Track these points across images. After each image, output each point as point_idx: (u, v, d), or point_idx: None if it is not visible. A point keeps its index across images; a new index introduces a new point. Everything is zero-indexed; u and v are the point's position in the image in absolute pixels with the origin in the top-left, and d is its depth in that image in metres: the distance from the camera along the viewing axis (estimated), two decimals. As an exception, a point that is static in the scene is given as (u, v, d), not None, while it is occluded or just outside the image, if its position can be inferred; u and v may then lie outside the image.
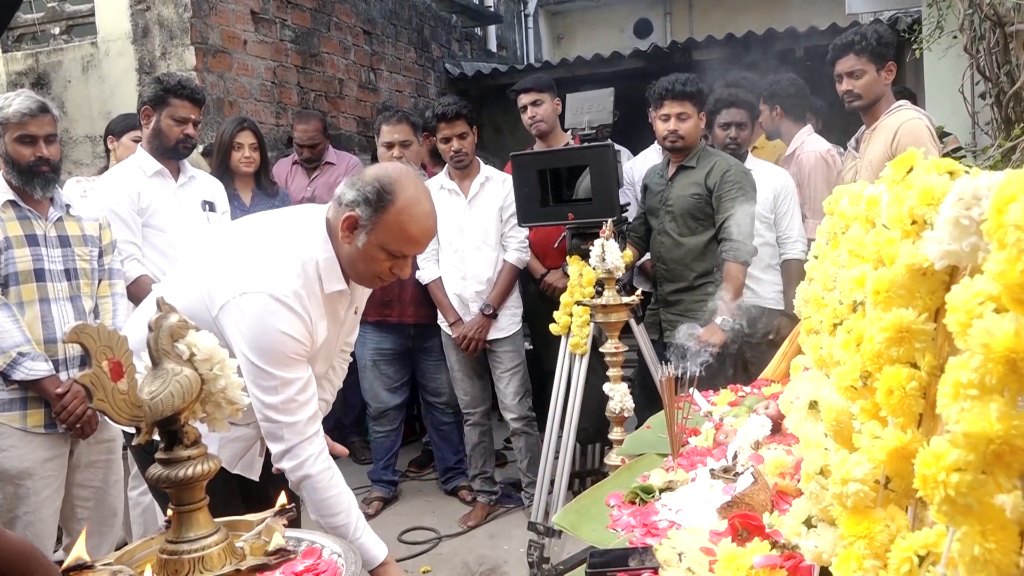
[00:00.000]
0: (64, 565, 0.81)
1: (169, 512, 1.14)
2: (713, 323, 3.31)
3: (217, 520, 0.88)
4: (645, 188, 3.72)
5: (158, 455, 0.85)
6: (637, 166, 4.34)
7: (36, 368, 2.55)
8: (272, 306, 1.80)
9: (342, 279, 1.93)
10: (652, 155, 4.34)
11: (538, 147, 4.00)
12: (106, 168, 3.75)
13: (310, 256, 1.89)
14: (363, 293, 2.17)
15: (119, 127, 3.81)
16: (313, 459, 1.83)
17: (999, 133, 3.46)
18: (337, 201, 1.90)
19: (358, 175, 1.89)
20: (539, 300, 4.05)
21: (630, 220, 3.68)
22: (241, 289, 1.81)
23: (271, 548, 0.88)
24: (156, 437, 0.89)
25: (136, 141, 3.58)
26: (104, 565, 0.83)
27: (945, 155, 3.29)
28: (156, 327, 0.87)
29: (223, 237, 2.12)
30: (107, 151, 3.95)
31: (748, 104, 3.82)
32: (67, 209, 2.75)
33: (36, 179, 2.62)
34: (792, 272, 3.68)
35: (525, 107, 4.02)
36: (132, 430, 0.89)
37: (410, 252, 1.91)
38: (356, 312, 2.16)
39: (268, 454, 2.05)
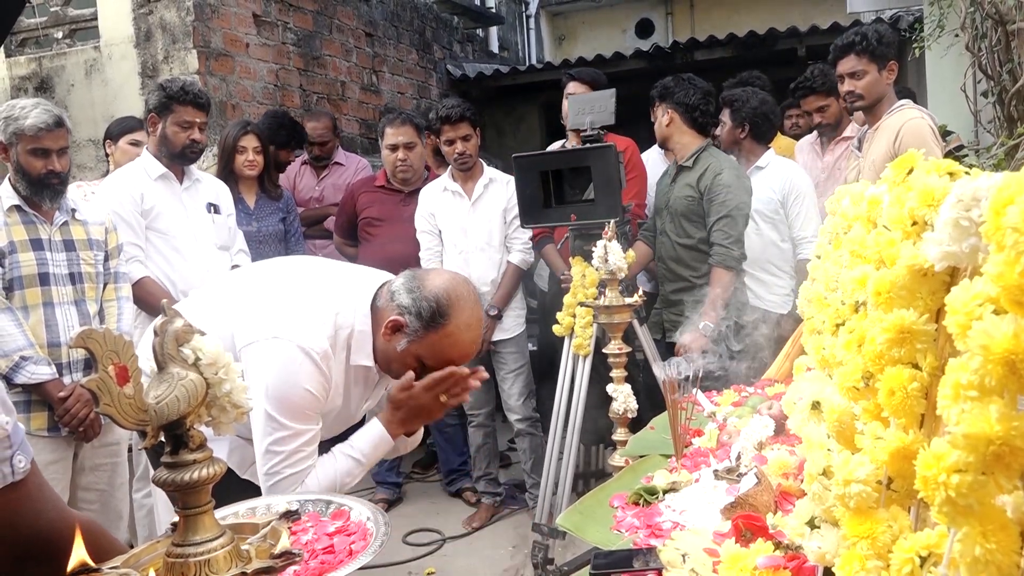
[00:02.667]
0: (68, 569, 0.81)
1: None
2: (696, 328, 3.28)
3: (223, 523, 0.89)
4: (657, 187, 3.73)
5: (164, 459, 0.86)
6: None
7: (39, 372, 2.56)
8: (299, 358, 1.76)
9: (371, 356, 1.88)
10: (654, 155, 4.35)
11: (570, 142, 3.93)
12: (107, 172, 3.77)
13: (347, 323, 1.84)
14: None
15: (116, 131, 3.82)
16: (304, 487, 1.79)
17: (1002, 131, 3.46)
18: (390, 296, 1.84)
19: (419, 282, 1.83)
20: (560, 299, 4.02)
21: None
22: (273, 333, 1.77)
23: (277, 551, 0.88)
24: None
25: (133, 144, 3.60)
26: (111, 568, 0.84)
27: (947, 154, 3.30)
28: (161, 331, 0.88)
29: (261, 274, 2.08)
30: (107, 155, 3.96)
31: (731, 103, 3.77)
32: (72, 213, 2.76)
33: (45, 190, 2.64)
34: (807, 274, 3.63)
35: (568, 96, 3.96)
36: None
37: (442, 368, 1.84)
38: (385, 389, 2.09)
39: None
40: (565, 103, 3.97)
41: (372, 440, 1.85)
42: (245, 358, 1.78)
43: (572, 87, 3.93)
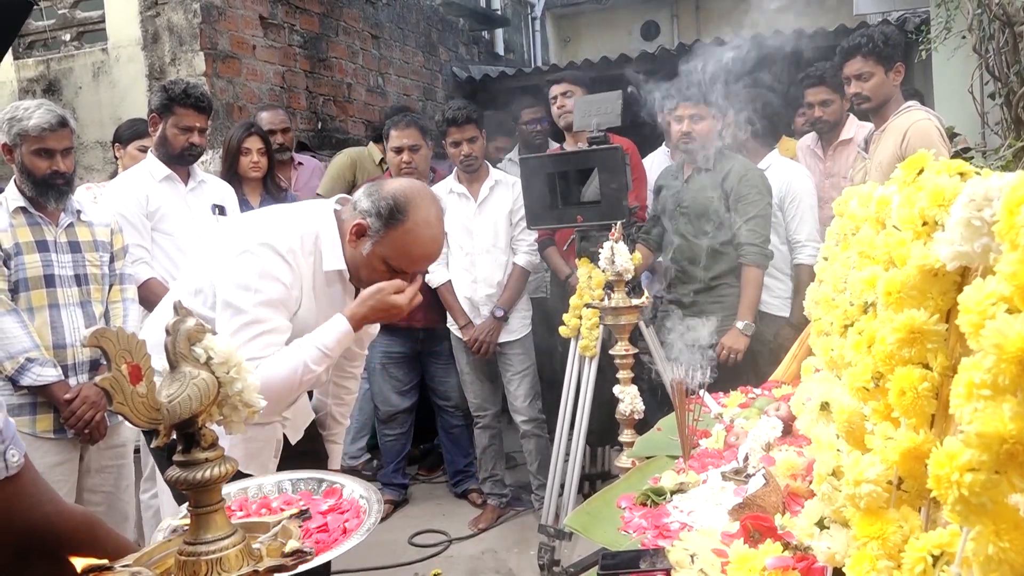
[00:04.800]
0: (81, 567, 0.82)
1: (173, 522, 1.16)
2: (735, 328, 3.32)
3: (234, 522, 0.89)
4: (659, 189, 3.71)
5: (176, 458, 0.86)
6: (647, 166, 4.32)
7: (44, 374, 2.56)
8: (264, 252, 1.85)
9: (342, 260, 1.94)
10: (660, 157, 4.34)
11: (567, 143, 3.98)
12: (115, 174, 3.78)
13: (311, 229, 1.93)
14: None
15: (125, 135, 3.82)
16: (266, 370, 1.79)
17: (1009, 133, 3.45)
18: (352, 206, 1.93)
19: (377, 186, 1.93)
20: (563, 301, 4.03)
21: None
22: (241, 250, 1.87)
23: (288, 550, 0.89)
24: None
25: (141, 150, 3.60)
26: (123, 567, 0.84)
27: (954, 155, 3.29)
28: (173, 331, 0.88)
29: (231, 227, 2.17)
30: (115, 158, 3.97)
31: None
32: (78, 215, 2.76)
33: (50, 191, 2.64)
34: (803, 278, 3.61)
35: (556, 97, 4.02)
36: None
37: (409, 270, 1.93)
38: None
39: (283, 456, 2.06)
40: (553, 107, 4.03)
41: (335, 332, 1.89)
42: (217, 281, 1.88)
43: (555, 90, 4.03)
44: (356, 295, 2.01)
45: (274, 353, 1.83)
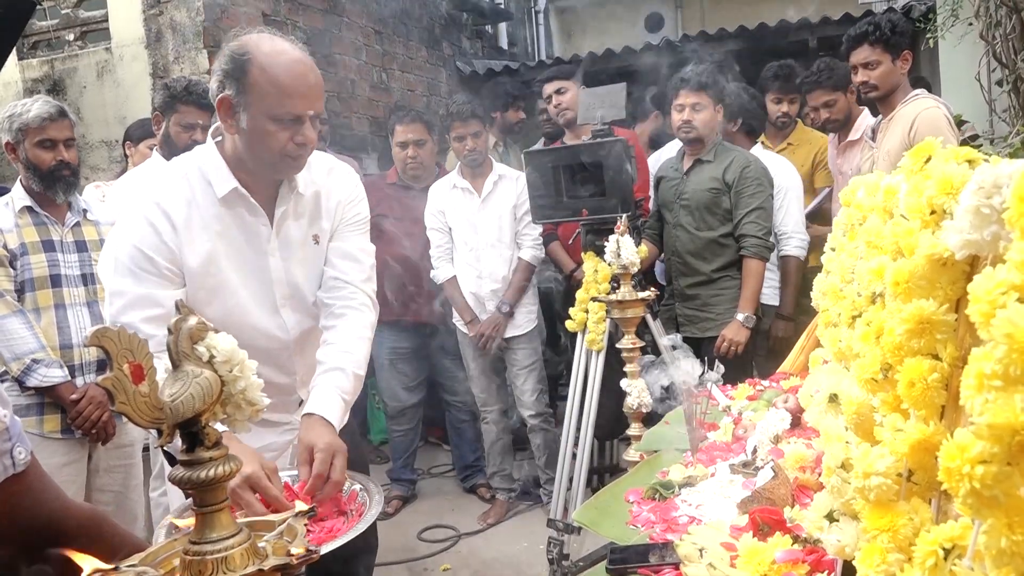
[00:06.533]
0: (87, 572, 0.82)
1: (177, 521, 1.15)
2: (736, 320, 3.32)
3: (239, 521, 0.89)
4: (659, 181, 3.70)
5: (180, 457, 0.85)
6: (653, 160, 4.31)
7: (51, 374, 2.56)
8: (125, 221, 1.76)
9: (231, 176, 1.78)
10: (668, 149, 4.32)
11: (568, 137, 3.98)
12: (123, 172, 3.78)
13: (192, 165, 1.81)
14: (318, 209, 1.93)
15: (137, 134, 3.82)
16: None
17: (1017, 120, 3.43)
18: (211, 98, 1.79)
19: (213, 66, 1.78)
20: (567, 296, 4.02)
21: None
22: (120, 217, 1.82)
23: (293, 548, 0.88)
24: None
25: (152, 148, 3.60)
26: (128, 566, 0.84)
27: (962, 143, 3.26)
28: (176, 330, 0.88)
29: None
30: (125, 156, 3.97)
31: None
32: (84, 214, 2.77)
33: (58, 183, 2.65)
34: (789, 270, 3.62)
35: (550, 97, 4.02)
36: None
37: (296, 109, 1.70)
38: (317, 241, 1.94)
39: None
40: (549, 106, 4.02)
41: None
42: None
43: (547, 89, 4.03)
44: (269, 210, 1.84)
45: (156, 328, 1.60)
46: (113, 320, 1.70)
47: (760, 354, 3.58)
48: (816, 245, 3.51)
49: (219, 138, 1.84)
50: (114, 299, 1.73)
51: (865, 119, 3.81)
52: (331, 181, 1.97)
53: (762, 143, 4.03)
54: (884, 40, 3.09)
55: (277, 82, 1.68)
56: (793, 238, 3.59)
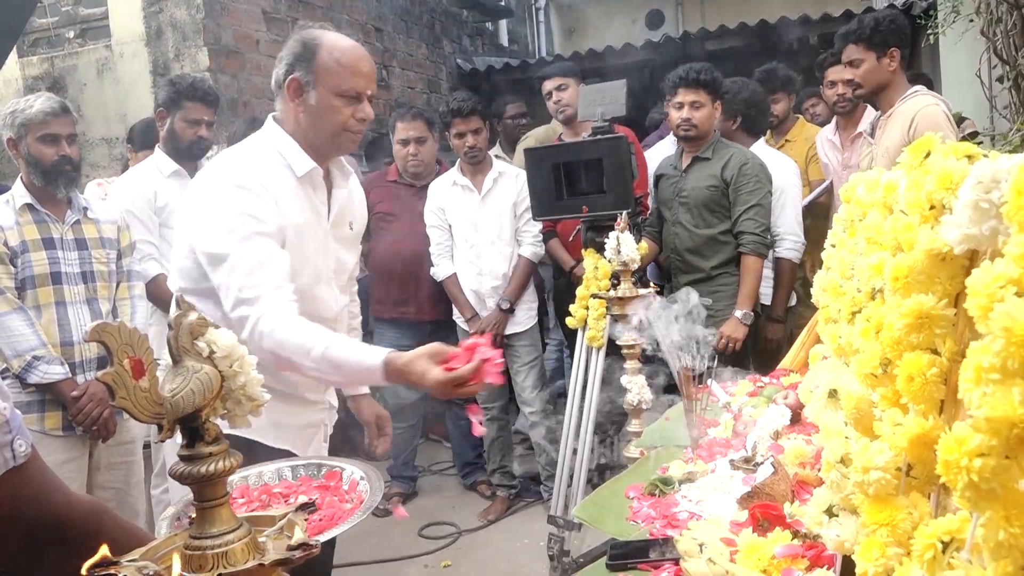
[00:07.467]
0: (88, 563, 0.82)
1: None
2: (734, 317, 3.32)
3: (240, 515, 0.89)
4: (658, 179, 3.70)
5: (180, 452, 0.86)
6: (653, 157, 4.31)
7: (51, 371, 2.56)
8: (222, 195, 1.81)
9: (308, 157, 1.91)
10: (667, 147, 4.32)
11: (565, 134, 3.99)
12: (124, 170, 3.78)
13: (268, 147, 1.90)
14: (351, 200, 2.10)
15: (139, 140, 3.80)
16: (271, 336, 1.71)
17: (1018, 117, 3.42)
18: (276, 85, 1.93)
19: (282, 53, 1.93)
20: (567, 293, 4.02)
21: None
22: (205, 199, 1.85)
23: (293, 543, 0.88)
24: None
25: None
26: (129, 561, 0.84)
27: (962, 140, 3.25)
28: (176, 325, 0.88)
29: (192, 188, 2.07)
30: (126, 156, 3.97)
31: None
32: (85, 212, 2.77)
33: (60, 178, 2.65)
34: (783, 272, 3.60)
35: (550, 93, 4.02)
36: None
37: (360, 86, 1.89)
38: (352, 228, 2.10)
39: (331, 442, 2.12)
40: (549, 103, 4.03)
41: (361, 361, 1.69)
42: (198, 245, 1.83)
43: (547, 85, 4.03)
44: (328, 188, 1.98)
45: (281, 283, 1.75)
46: (241, 285, 1.74)
47: (751, 354, 3.57)
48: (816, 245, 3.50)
49: (276, 117, 1.97)
50: (241, 265, 1.75)
51: (873, 112, 3.80)
52: (354, 183, 2.14)
53: (765, 141, 4.01)
54: (865, 38, 3.07)
55: (343, 62, 1.87)
56: (787, 239, 3.56)
